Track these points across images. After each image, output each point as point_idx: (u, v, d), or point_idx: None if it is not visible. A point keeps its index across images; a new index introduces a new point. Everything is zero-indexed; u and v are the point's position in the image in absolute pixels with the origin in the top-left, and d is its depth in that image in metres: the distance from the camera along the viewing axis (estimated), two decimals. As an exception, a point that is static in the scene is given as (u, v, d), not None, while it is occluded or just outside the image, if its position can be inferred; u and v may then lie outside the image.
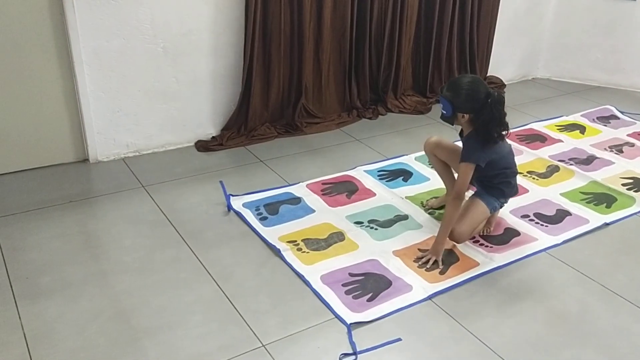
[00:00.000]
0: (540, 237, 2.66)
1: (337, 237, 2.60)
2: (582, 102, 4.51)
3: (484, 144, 2.42)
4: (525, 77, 5.06)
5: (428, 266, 2.40)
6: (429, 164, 3.17)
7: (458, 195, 2.42)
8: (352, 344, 1.99)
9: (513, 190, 2.64)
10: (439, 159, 2.77)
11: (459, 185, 2.43)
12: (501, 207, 2.67)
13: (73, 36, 2.93)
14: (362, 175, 3.19)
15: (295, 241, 2.55)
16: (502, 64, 4.81)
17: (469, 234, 2.55)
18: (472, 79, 2.44)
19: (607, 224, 2.79)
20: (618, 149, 3.65)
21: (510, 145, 2.59)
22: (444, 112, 2.45)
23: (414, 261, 2.44)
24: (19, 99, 2.97)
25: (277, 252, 2.47)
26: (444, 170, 2.80)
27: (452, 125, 2.54)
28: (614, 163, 3.44)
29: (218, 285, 2.27)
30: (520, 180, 3.18)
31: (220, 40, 3.37)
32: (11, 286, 2.22)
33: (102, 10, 2.96)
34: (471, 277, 2.36)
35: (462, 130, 2.54)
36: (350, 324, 2.08)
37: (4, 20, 2.80)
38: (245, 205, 2.83)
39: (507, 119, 2.46)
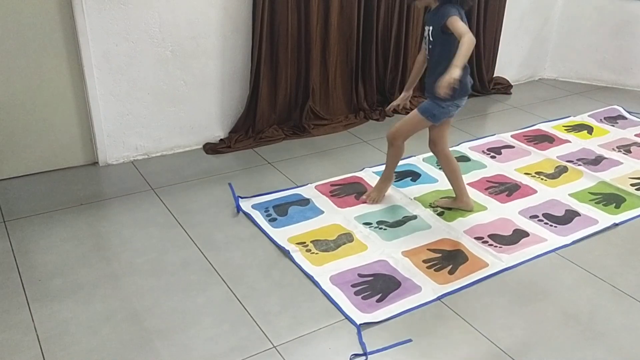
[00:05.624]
0: (550, 238, 2.66)
1: (346, 238, 2.61)
2: (589, 103, 4.50)
3: (455, 4, 2.44)
4: (532, 78, 5.06)
5: (446, 89, 2.33)
6: (438, 166, 3.19)
7: (467, 34, 2.37)
8: (362, 344, 2.00)
9: (464, 87, 2.56)
10: (444, 152, 2.76)
11: (461, 32, 2.37)
12: (450, 113, 2.62)
13: (83, 40, 2.95)
14: (370, 176, 3.19)
15: (305, 242, 2.56)
16: (508, 64, 4.81)
17: (399, 133, 2.74)
18: None
19: (616, 225, 2.79)
20: (626, 149, 3.64)
21: None
22: None
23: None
24: (29, 103, 2.99)
25: (286, 254, 2.48)
26: (452, 173, 2.80)
27: (418, 6, 2.57)
28: (622, 163, 3.43)
29: (228, 286, 2.29)
30: (528, 180, 3.20)
31: (228, 43, 3.39)
32: (24, 289, 2.24)
33: (111, 14, 2.98)
34: (481, 278, 2.36)
35: (427, 9, 2.58)
36: (360, 324, 2.08)
37: (16, 26, 2.83)
38: (254, 206, 2.84)
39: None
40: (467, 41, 2.36)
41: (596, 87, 4.88)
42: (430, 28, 2.54)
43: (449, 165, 2.79)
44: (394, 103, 2.92)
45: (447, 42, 2.47)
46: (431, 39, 2.55)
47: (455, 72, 2.33)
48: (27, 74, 2.94)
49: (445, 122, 2.71)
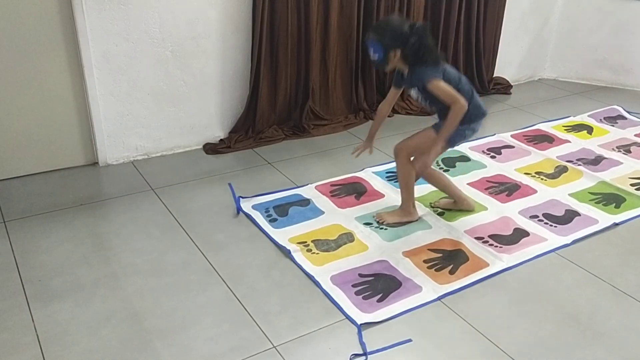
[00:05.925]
0: (550, 238, 2.66)
1: (347, 238, 2.61)
2: (589, 103, 4.50)
3: (427, 65, 2.43)
4: (532, 78, 5.06)
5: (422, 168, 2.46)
6: (437, 166, 3.18)
7: (456, 102, 2.38)
8: (363, 344, 2.00)
9: (475, 110, 2.55)
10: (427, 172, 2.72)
11: (448, 97, 2.39)
12: (466, 136, 2.61)
13: (83, 41, 2.95)
14: (370, 176, 3.20)
15: (305, 242, 2.56)
16: (508, 64, 4.81)
17: (404, 145, 2.64)
18: (391, 17, 2.62)
19: (616, 224, 2.79)
20: (626, 149, 3.64)
21: (456, 69, 2.61)
22: (376, 55, 2.46)
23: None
24: (30, 104, 2.99)
25: (287, 254, 2.48)
26: (444, 186, 2.80)
27: (386, 70, 2.59)
28: (622, 163, 3.43)
29: (228, 286, 2.29)
30: (528, 180, 3.20)
31: (228, 43, 3.39)
32: (24, 289, 2.24)
33: (111, 14, 2.98)
34: (481, 278, 2.36)
35: (402, 74, 2.56)
36: (361, 324, 2.08)
37: (16, 26, 2.83)
38: (254, 207, 2.84)
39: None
40: (457, 111, 2.38)
41: (596, 87, 4.88)
42: (415, 88, 2.52)
43: (438, 181, 2.78)
44: (359, 150, 2.84)
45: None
46: (422, 95, 2.52)
47: (437, 147, 2.43)
48: (27, 74, 2.94)
49: (442, 147, 2.61)
